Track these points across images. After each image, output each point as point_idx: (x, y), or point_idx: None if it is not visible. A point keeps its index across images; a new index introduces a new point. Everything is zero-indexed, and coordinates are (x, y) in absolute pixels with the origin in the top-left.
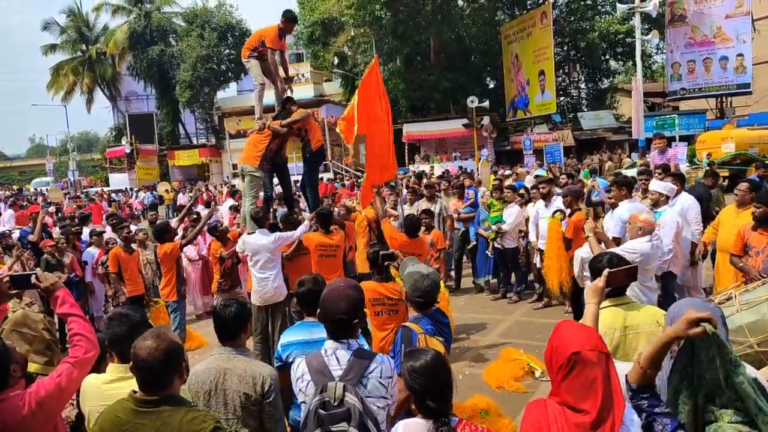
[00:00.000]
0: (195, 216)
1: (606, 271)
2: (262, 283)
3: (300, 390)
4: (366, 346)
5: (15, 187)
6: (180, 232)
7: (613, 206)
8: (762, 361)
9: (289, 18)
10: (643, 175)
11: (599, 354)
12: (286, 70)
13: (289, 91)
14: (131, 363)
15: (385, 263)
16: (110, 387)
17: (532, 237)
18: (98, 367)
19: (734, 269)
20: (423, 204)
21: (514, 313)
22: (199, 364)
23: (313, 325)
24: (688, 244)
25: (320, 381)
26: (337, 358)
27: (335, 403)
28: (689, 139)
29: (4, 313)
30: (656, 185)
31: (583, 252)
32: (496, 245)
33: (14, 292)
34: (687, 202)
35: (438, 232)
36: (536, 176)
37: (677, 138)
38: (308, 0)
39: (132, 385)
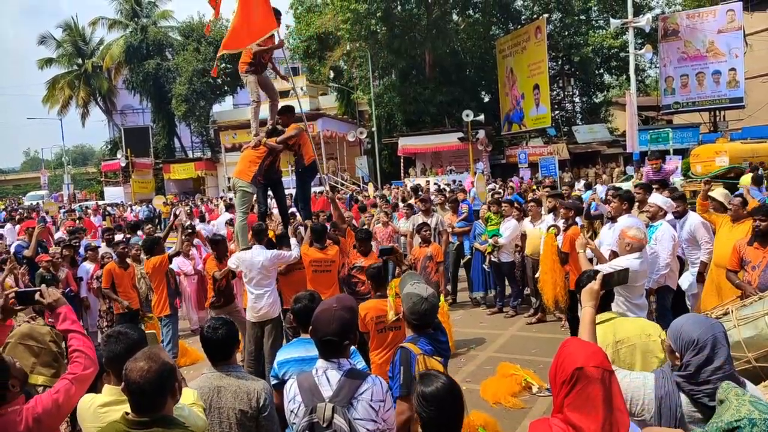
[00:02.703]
0: (190, 231)
1: (601, 274)
2: (257, 300)
3: (292, 411)
4: (361, 364)
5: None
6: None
7: (612, 218)
8: (760, 376)
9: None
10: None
11: (603, 371)
12: (276, 71)
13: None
14: (122, 385)
15: (384, 257)
16: (106, 411)
17: (542, 250)
18: (95, 385)
19: (716, 286)
20: (419, 218)
21: (510, 328)
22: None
23: (309, 341)
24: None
25: (310, 402)
26: (327, 378)
27: (324, 425)
28: (683, 153)
29: (9, 328)
30: (656, 198)
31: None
32: (492, 259)
33: (19, 308)
34: (694, 222)
35: (437, 246)
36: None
37: (671, 151)
38: (304, 15)
39: (127, 408)
